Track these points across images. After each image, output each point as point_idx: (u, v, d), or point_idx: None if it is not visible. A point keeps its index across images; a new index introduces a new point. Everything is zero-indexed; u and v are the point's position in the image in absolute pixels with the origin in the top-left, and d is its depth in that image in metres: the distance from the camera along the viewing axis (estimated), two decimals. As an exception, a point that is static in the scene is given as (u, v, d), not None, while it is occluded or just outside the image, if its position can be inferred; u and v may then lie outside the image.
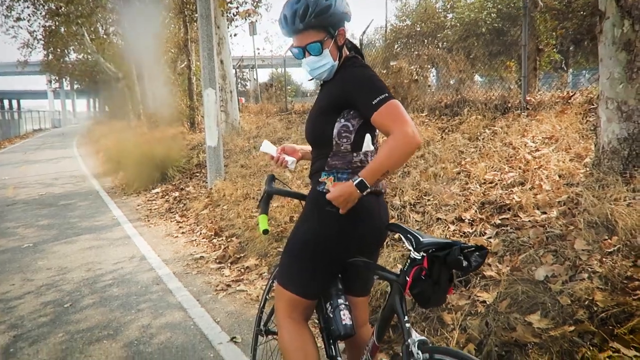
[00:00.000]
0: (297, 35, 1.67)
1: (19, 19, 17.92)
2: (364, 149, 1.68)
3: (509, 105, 6.41)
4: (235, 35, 14.28)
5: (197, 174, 8.10)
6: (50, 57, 25.21)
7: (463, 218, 3.54)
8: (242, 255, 4.31)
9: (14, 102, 66.60)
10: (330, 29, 1.66)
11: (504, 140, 5.01)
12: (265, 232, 1.95)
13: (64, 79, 33.73)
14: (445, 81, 7.94)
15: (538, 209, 3.36)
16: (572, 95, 5.86)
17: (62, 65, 27.00)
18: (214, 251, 4.54)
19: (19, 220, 6.21)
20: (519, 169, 4.06)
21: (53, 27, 18.18)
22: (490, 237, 3.19)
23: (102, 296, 3.59)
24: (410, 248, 1.52)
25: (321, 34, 1.65)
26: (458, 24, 10.52)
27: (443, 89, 8.01)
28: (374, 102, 1.53)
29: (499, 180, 3.98)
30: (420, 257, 1.48)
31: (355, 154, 1.68)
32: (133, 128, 17.09)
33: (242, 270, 3.99)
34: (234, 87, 10.75)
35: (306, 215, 1.74)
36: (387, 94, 1.54)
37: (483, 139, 5.26)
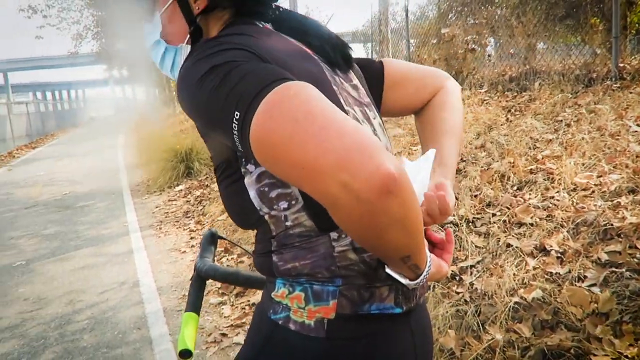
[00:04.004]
0: None
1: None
2: None
3: (595, 75, 5.08)
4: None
5: (226, 168, 7.28)
6: (99, 46, 25.57)
7: (547, 247, 2.44)
8: (250, 284, 3.42)
9: (77, 93, 70.00)
10: None
11: (594, 122, 3.78)
12: (185, 355, 1.01)
13: (125, 68, 34.83)
14: (509, 49, 6.60)
15: (669, 236, 2.21)
16: (684, 59, 4.46)
17: (112, 54, 27.46)
18: (220, 275, 3.68)
19: (27, 228, 5.65)
20: (626, 167, 2.87)
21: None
22: (593, 285, 2.10)
23: (67, 348, 2.81)
24: None
25: None
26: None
27: (506, 58, 6.70)
28: (234, 125, 0.60)
29: (596, 185, 2.82)
30: None
31: (335, 237, 0.72)
32: (176, 115, 16.67)
33: (247, 307, 3.10)
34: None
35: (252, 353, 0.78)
36: (267, 85, 0.59)
37: (564, 121, 4.04)
